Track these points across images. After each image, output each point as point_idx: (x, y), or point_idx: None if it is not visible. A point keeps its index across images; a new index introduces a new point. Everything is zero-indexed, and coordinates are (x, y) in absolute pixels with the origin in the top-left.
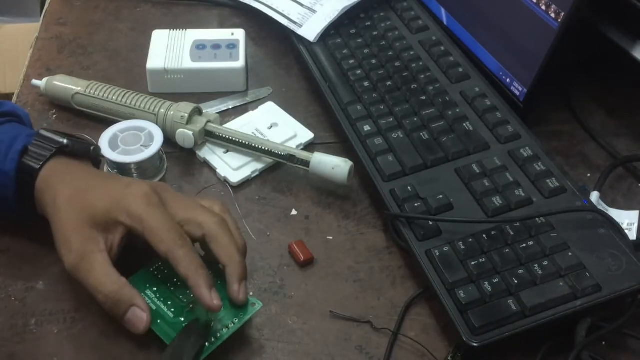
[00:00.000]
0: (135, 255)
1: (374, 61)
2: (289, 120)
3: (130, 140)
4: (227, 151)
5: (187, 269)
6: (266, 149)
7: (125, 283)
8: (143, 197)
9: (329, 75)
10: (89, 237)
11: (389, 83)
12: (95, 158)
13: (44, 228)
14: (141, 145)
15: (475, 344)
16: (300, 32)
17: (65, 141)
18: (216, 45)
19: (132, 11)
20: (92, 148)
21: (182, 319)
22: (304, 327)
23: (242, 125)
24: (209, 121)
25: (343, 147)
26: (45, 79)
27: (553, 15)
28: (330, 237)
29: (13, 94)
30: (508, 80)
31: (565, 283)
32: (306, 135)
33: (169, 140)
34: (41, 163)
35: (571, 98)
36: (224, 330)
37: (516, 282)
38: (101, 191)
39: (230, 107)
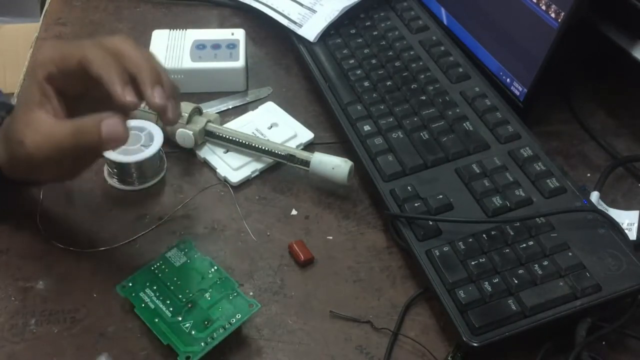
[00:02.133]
0: (135, 254)
1: (374, 61)
2: (289, 120)
3: (130, 140)
4: (227, 151)
5: (100, 68)
6: (266, 149)
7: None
8: (85, 42)
9: (329, 75)
10: (29, 110)
11: (389, 83)
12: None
13: (44, 228)
14: (141, 145)
15: (475, 344)
16: (300, 32)
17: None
18: (216, 45)
19: (132, 11)
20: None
21: (180, 319)
22: (304, 327)
23: (242, 125)
24: (209, 121)
25: (343, 147)
26: None
27: (553, 15)
28: (330, 237)
29: (13, 93)
30: (508, 80)
31: (565, 283)
32: (306, 135)
33: (169, 140)
34: None
35: (571, 98)
36: (220, 330)
37: (516, 282)
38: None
39: (230, 107)
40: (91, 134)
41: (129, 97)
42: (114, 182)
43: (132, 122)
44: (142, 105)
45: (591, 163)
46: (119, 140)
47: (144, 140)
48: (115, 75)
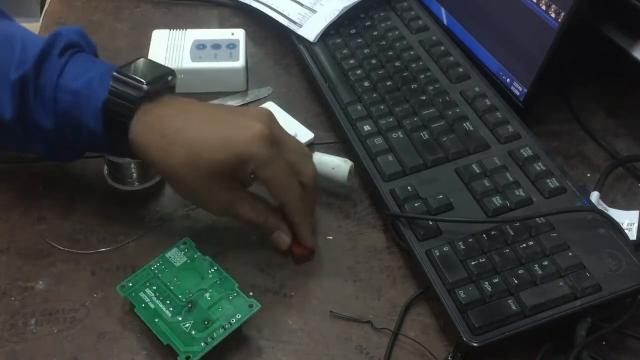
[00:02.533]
0: (135, 254)
1: (374, 61)
2: (289, 120)
3: None
4: None
5: (300, 218)
6: None
7: (270, 212)
8: (265, 141)
9: (329, 75)
10: (226, 187)
11: (389, 83)
12: (173, 86)
13: (44, 228)
14: None
15: (475, 344)
16: (300, 32)
17: (145, 86)
18: (216, 45)
19: (132, 11)
20: (169, 78)
21: (180, 319)
22: (304, 327)
23: None
24: None
25: (343, 147)
26: None
27: (553, 15)
28: (330, 237)
29: None
30: (508, 80)
31: (565, 283)
32: (306, 135)
33: None
34: (129, 120)
35: (571, 98)
36: (220, 330)
37: (516, 282)
38: (217, 140)
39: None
40: (267, 232)
41: (313, 245)
42: (114, 182)
43: None
44: None
45: (591, 163)
46: (276, 246)
47: None
48: (310, 227)
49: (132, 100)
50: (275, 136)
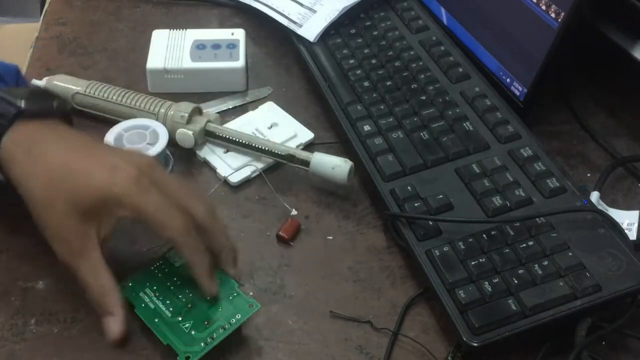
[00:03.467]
0: (136, 254)
1: (374, 61)
2: (289, 120)
3: (135, 139)
4: (227, 151)
5: (191, 255)
6: (266, 149)
7: (109, 289)
8: (133, 184)
9: (329, 75)
10: (82, 234)
11: (389, 83)
12: (64, 114)
13: None
14: (147, 144)
15: (475, 344)
16: (300, 32)
17: (22, 104)
18: (216, 45)
19: (132, 11)
20: (55, 105)
21: (180, 319)
22: (304, 327)
23: (242, 125)
24: (209, 121)
25: (343, 147)
26: (45, 79)
27: (553, 15)
28: (330, 237)
29: None
30: (508, 80)
31: (565, 283)
32: (306, 135)
33: (169, 140)
34: (0, 136)
35: (571, 98)
36: (220, 330)
37: (516, 282)
38: (83, 177)
39: (230, 107)
40: (99, 308)
41: (214, 288)
42: None
43: (136, 121)
44: (142, 105)
45: (591, 163)
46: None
47: (149, 138)
48: (205, 267)
49: (5, 116)
50: (151, 178)
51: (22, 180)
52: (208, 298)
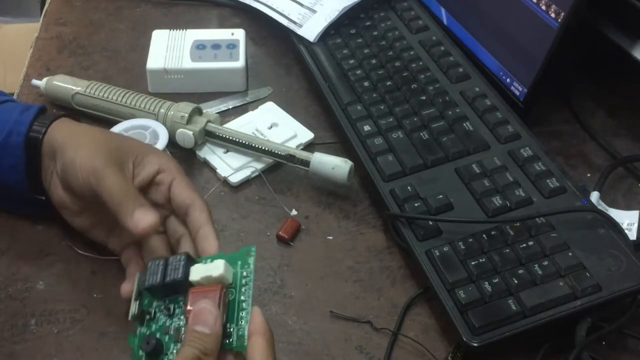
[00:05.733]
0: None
1: (374, 61)
2: (289, 120)
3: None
4: (227, 151)
5: (209, 217)
6: (266, 149)
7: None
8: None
9: (329, 75)
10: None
11: (389, 83)
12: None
13: (44, 228)
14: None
15: (475, 344)
16: (300, 32)
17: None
18: (216, 45)
19: (132, 11)
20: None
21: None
22: (304, 327)
23: (242, 125)
24: (209, 121)
25: (343, 147)
26: (45, 79)
27: (553, 15)
28: (330, 237)
29: (13, 93)
30: (508, 80)
31: (565, 283)
32: (306, 135)
33: (169, 140)
34: (44, 129)
35: (571, 98)
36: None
37: (516, 282)
38: (126, 139)
39: (230, 107)
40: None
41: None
42: None
43: (136, 121)
44: (142, 105)
45: (591, 163)
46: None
47: (149, 138)
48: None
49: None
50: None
51: (68, 165)
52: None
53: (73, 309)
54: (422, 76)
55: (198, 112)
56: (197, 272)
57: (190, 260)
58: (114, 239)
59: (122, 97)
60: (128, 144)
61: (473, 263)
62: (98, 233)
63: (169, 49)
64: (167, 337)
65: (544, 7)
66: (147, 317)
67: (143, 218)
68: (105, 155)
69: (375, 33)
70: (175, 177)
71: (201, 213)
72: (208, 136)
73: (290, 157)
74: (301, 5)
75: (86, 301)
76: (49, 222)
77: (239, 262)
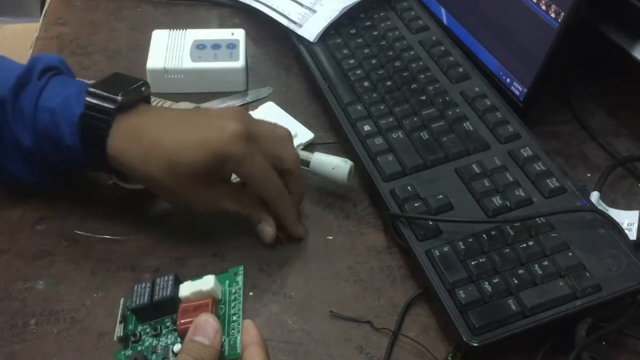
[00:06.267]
0: (136, 255)
1: (374, 61)
2: (289, 120)
3: None
4: None
5: (284, 211)
6: None
7: (254, 204)
8: (241, 139)
9: (329, 75)
10: (209, 186)
11: (389, 83)
12: (148, 96)
13: (44, 228)
14: None
15: (475, 344)
16: (300, 32)
17: (119, 97)
18: (216, 45)
19: (132, 11)
20: (143, 89)
21: None
22: (304, 327)
23: None
24: None
25: (343, 147)
26: None
27: (553, 15)
28: (330, 237)
29: None
30: (508, 80)
31: (565, 283)
32: (306, 135)
33: None
34: (106, 132)
35: (571, 98)
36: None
37: (516, 282)
38: (194, 143)
39: (231, 107)
40: (251, 222)
41: (301, 230)
42: (118, 180)
43: None
44: None
45: (591, 163)
46: (261, 239)
47: None
48: (295, 215)
49: (108, 112)
50: (251, 132)
51: (143, 169)
52: (296, 237)
53: (73, 309)
54: (422, 76)
55: None
56: (187, 289)
57: (178, 281)
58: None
59: None
60: (227, 143)
61: (473, 263)
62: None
63: (169, 49)
64: (154, 356)
65: (544, 7)
66: (133, 339)
67: (267, 234)
68: (199, 180)
69: (375, 33)
70: (291, 173)
71: (276, 209)
72: None
73: None
74: (301, 5)
75: (86, 301)
76: (49, 222)
77: (227, 281)
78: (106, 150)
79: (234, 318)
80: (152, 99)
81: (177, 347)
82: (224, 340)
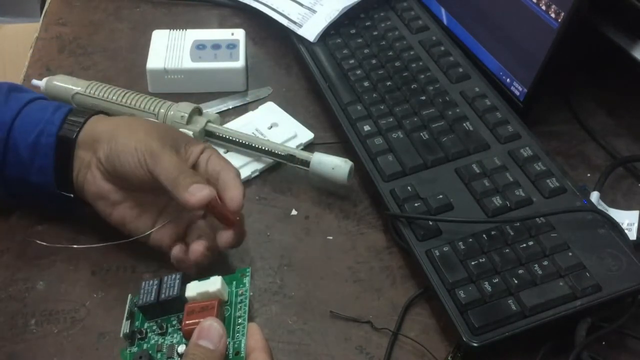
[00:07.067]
0: (136, 255)
1: (374, 61)
2: (289, 120)
3: None
4: (227, 151)
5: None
6: (266, 149)
7: (186, 170)
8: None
9: (329, 75)
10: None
11: (389, 83)
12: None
13: (44, 228)
14: None
15: (475, 344)
16: (300, 32)
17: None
18: (216, 45)
19: (132, 11)
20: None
21: None
22: (304, 327)
23: (242, 125)
24: (209, 121)
25: (343, 147)
26: (45, 79)
27: (553, 15)
28: (330, 237)
29: None
30: (508, 80)
31: (565, 283)
32: (306, 135)
33: None
34: (82, 121)
35: (571, 98)
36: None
37: (516, 282)
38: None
39: (230, 107)
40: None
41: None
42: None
43: None
44: (142, 105)
45: (591, 163)
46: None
47: None
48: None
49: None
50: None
51: (121, 149)
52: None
53: (73, 309)
54: (422, 76)
55: (198, 112)
56: (193, 289)
57: (185, 279)
58: (157, 232)
59: (122, 97)
60: (178, 132)
61: (473, 263)
62: (136, 224)
63: (169, 49)
64: (159, 355)
65: (544, 7)
66: (139, 336)
67: (200, 191)
68: (160, 139)
69: (375, 33)
70: (212, 153)
71: (228, 173)
72: (208, 136)
73: (290, 157)
74: (301, 5)
75: (86, 301)
76: (49, 222)
77: (234, 282)
78: (77, 140)
79: (240, 321)
80: (153, 99)
81: (181, 348)
82: (229, 344)
